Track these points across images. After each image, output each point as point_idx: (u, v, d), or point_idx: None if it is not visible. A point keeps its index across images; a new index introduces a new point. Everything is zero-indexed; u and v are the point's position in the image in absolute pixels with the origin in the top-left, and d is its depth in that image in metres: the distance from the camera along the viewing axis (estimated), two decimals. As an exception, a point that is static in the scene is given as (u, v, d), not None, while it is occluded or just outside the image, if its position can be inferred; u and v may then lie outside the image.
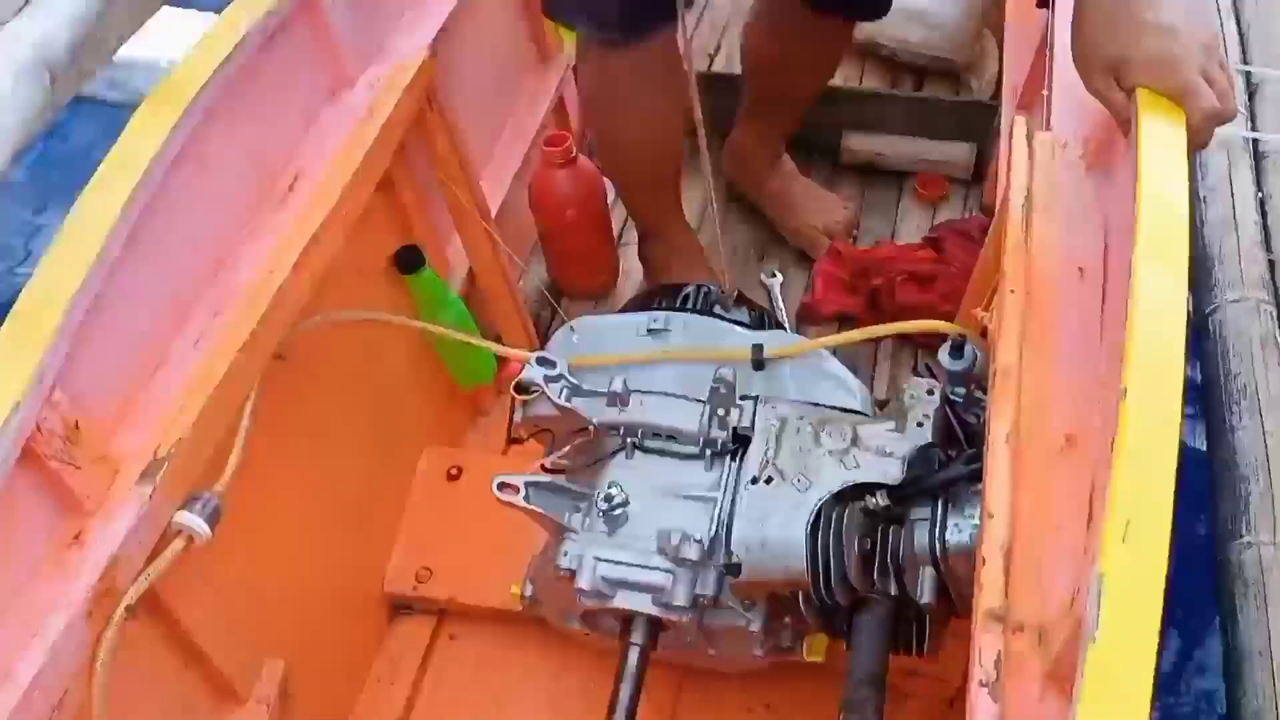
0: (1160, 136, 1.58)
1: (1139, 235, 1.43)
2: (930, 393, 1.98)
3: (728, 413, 2.04)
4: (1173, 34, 1.67)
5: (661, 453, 2.09)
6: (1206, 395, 2.66)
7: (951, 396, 1.97)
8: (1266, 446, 2.47)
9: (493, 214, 2.80)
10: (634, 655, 2.03)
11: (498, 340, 2.88)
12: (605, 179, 3.12)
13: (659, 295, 2.37)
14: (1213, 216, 2.88)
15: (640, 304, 2.39)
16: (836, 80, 3.67)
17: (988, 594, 1.43)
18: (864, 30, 3.74)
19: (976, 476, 1.78)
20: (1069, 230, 1.83)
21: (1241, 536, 2.39)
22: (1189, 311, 1.67)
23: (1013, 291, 1.74)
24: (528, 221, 3.17)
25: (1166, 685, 2.95)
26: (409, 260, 2.51)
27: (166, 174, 1.77)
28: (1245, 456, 2.48)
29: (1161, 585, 1.13)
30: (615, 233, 3.36)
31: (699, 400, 2.07)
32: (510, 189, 3.07)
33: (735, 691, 2.51)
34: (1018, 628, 1.40)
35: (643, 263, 3.25)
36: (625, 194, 3.15)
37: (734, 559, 1.90)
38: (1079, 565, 1.42)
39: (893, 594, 1.88)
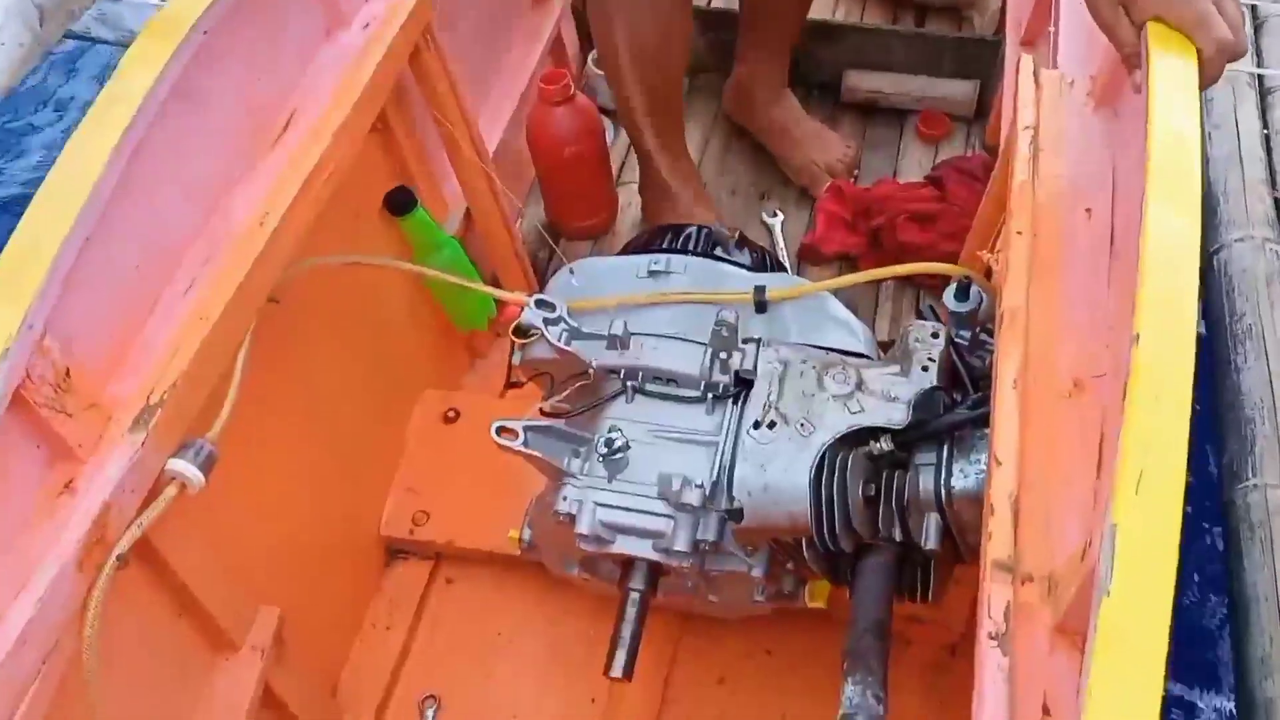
0: (1171, 73, 1.55)
1: (1150, 175, 1.41)
2: (935, 336, 1.95)
3: (729, 356, 2.02)
4: None
5: (662, 396, 2.07)
6: (1211, 335, 2.64)
7: (957, 339, 1.95)
8: (1273, 387, 2.45)
9: (490, 154, 2.77)
10: (634, 601, 2.01)
11: (495, 282, 2.86)
12: (605, 118, 3.09)
13: (660, 236, 2.34)
14: (1217, 154, 2.85)
15: (641, 245, 2.36)
16: (837, 17, 3.64)
17: (996, 544, 1.41)
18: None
19: (982, 421, 1.76)
20: (1076, 170, 1.80)
21: (1247, 479, 2.36)
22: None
23: (1019, 233, 1.72)
24: (525, 162, 3.13)
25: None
26: (400, 202, 2.48)
27: (158, 115, 1.74)
28: (1250, 397, 2.46)
29: (1177, 536, 1.11)
30: (614, 171, 3.32)
31: (700, 343, 2.05)
32: (507, 129, 3.05)
33: (736, 637, 2.50)
34: (1027, 578, 1.39)
35: (642, 198, 3.22)
36: (625, 108, 3.08)
37: (736, 504, 1.87)
38: (1089, 514, 1.40)
39: (897, 540, 1.86)
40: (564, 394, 2.15)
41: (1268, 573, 2.26)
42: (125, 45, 1.77)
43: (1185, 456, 1.16)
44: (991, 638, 1.34)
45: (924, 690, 2.38)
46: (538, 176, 3.21)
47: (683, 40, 2.84)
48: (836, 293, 2.20)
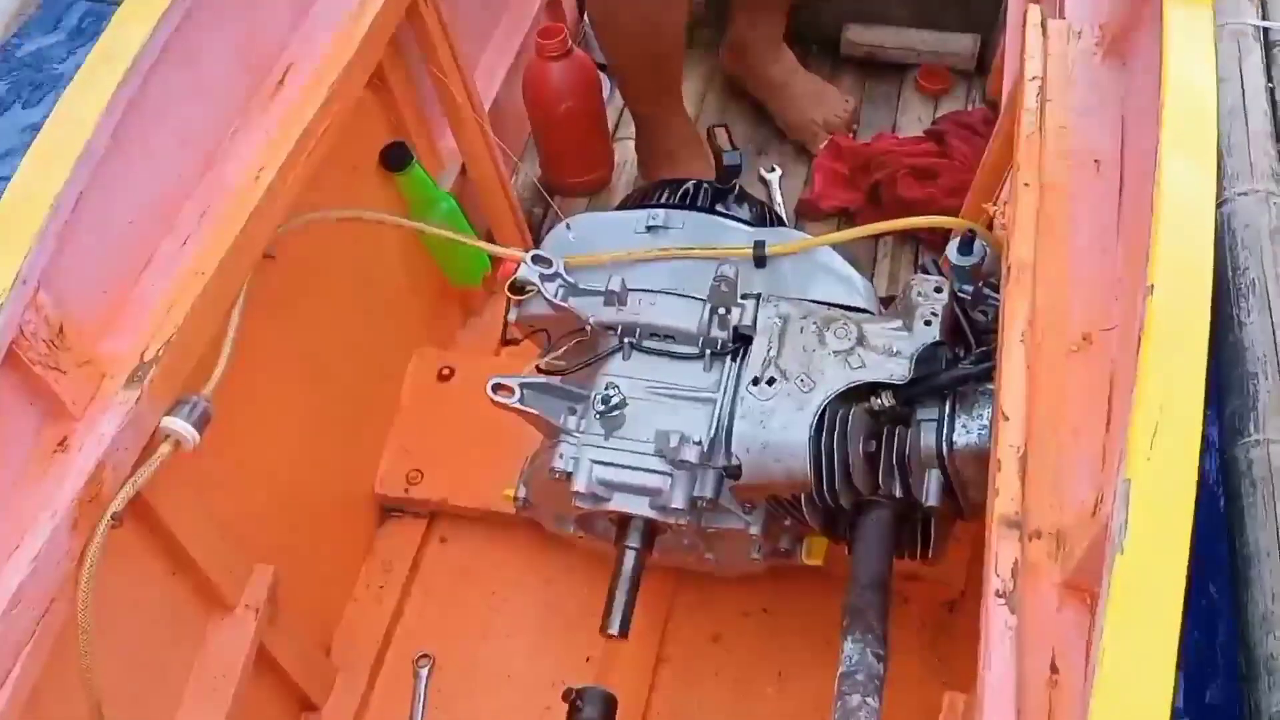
0: (1186, 24, 1.53)
1: (1165, 125, 1.39)
2: (938, 290, 1.94)
3: (728, 311, 2.00)
4: None
5: (660, 353, 2.06)
6: (1214, 290, 2.62)
7: (959, 294, 1.93)
8: (1276, 342, 2.43)
9: (486, 109, 2.75)
10: (630, 559, 2.01)
11: (490, 238, 2.84)
12: (601, 73, 3.07)
13: (658, 191, 2.32)
14: (1222, 107, 2.83)
15: (638, 200, 2.35)
16: (838, -28, 3.62)
17: (1003, 499, 1.40)
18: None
19: (986, 376, 1.75)
20: (1084, 121, 1.79)
21: (1250, 435, 2.35)
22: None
23: (1027, 185, 1.70)
24: (522, 117, 3.11)
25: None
26: (396, 157, 2.47)
27: (152, 69, 1.72)
28: (1254, 352, 2.44)
29: (1193, 492, 1.10)
30: (611, 127, 3.30)
31: (699, 299, 2.03)
32: (504, 84, 3.03)
33: (732, 594, 2.49)
34: (1034, 534, 1.37)
35: (640, 156, 3.20)
36: (624, 77, 3.11)
37: (734, 461, 1.87)
38: (1098, 469, 1.39)
39: (897, 496, 1.86)
40: (560, 351, 2.14)
41: (1270, 529, 2.24)
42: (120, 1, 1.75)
43: (1201, 410, 1.14)
44: (999, 595, 1.32)
45: (923, 648, 2.38)
46: (533, 132, 3.19)
47: (678, 10, 2.82)
48: (836, 248, 2.19)
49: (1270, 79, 2.87)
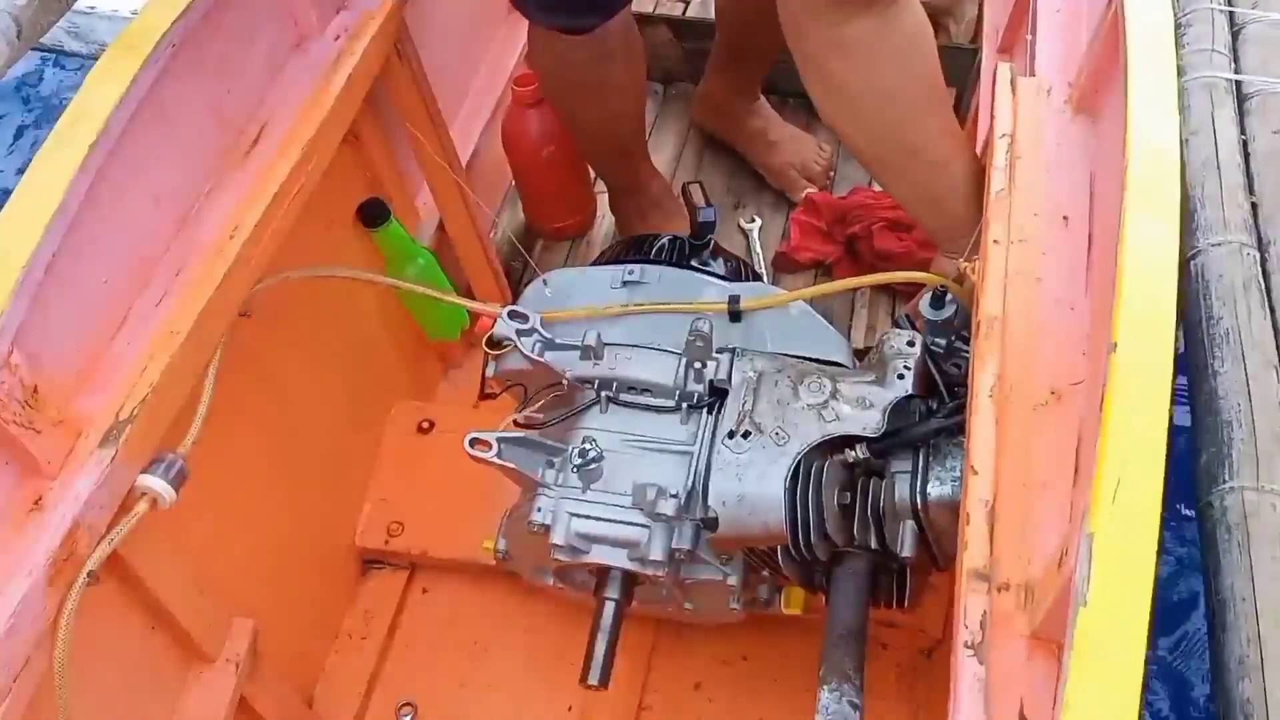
0: (1151, 80, 1.55)
1: (1129, 184, 1.40)
2: (910, 344, 1.95)
3: (704, 365, 2.01)
4: None
5: (637, 406, 2.06)
6: (1187, 339, 2.63)
7: (932, 347, 1.94)
8: (1249, 390, 2.44)
9: (465, 163, 2.77)
10: (609, 610, 2.01)
11: (468, 292, 2.85)
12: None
13: (634, 247, 2.34)
14: (1195, 160, 2.83)
15: (615, 256, 2.36)
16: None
17: (972, 552, 1.41)
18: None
19: (958, 428, 1.76)
20: (1053, 177, 1.80)
21: (1224, 482, 2.36)
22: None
23: (996, 241, 1.71)
24: (501, 170, 3.14)
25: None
26: (373, 213, 2.48)
27: (127, 127, 1.73)
28: (1228, 401, 2.45)
29: (1154, 546, 1.10)
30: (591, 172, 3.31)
31: (675, 353, 2.04)
32: (482, 137, 3.04)
33: (712, 644, 2.50)
34: (1003, 586, 1.38)
35: (616, 216, 3.22)
36: (593, 162, 3.16)
37: (710, 514, 1.87)
38: (1065, 521, 1.40)
39: (873, 547, 1.86)
40: (538, 405, 2.14)
41: (1244, 574, 2.25)
42: (96, 58, 1.76)
43: (1163, 465, 1.15)
44: (967, 647, 1.33)
45: (900, 694, 2.39)
46: (514, 179, 3.22)
47: (637, 97, 2.85)
48: (812, 301, 2.20)
49: (1243, 131, 2.89)
